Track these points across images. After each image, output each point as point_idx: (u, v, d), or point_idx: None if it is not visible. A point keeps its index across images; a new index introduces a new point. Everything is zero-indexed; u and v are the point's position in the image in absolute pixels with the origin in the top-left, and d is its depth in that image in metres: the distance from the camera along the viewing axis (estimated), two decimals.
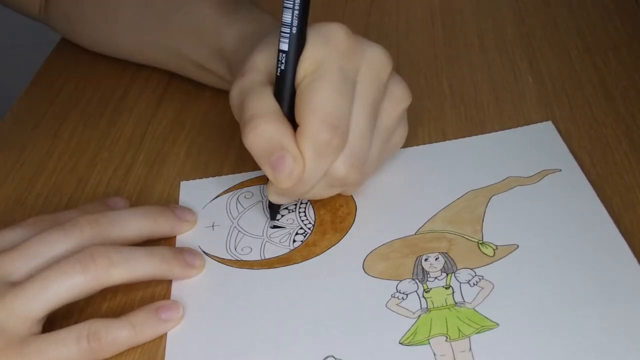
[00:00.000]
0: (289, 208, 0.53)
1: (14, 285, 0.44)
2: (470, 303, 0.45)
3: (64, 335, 0.43)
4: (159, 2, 0.64)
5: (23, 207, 0.55)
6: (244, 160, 0.58)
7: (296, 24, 0.47)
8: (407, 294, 0.46)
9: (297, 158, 0.46)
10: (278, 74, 0.48)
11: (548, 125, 0.57)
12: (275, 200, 0.50)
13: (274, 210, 0.52)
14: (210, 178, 0.56)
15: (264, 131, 0.46)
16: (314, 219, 0.52)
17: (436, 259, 0.48)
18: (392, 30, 0.72)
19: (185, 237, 0.52)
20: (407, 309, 0.45)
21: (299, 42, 0.47)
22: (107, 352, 0.44)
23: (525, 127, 0.58)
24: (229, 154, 0.59)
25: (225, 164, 0.58)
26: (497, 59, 0.66)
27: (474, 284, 0.46)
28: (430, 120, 0.60)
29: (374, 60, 0.48)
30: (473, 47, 0.68)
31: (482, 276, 0.46)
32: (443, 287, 0.46)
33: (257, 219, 0.53)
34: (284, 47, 0.47)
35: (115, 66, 0.70)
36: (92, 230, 0.46)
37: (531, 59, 0.66)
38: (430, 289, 0.46)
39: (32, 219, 0.49)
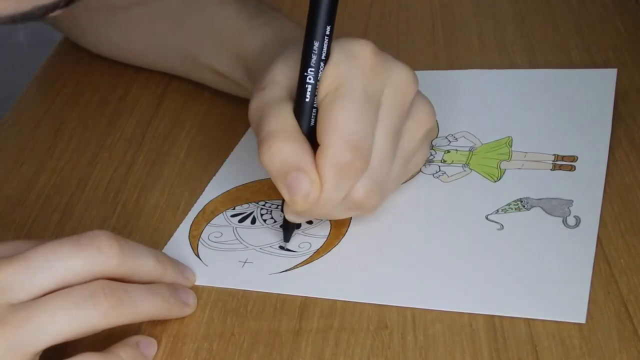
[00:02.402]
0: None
1: (17, 309, 0.39)
2: (475, 144, 0.55)
3: None
4: (174, 3, 0.61)
5: (23, 207, 0.55)
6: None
7: (323, 40, 0.45)
8: (439, 169, 0.53)
9: (315, 180, 0.44)
10: (298, 91, 0.46)
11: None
12: (292, 219, 0.48)
13: (288, 231, 0.50)
14: (170, 241, 0.52)
15: (280, 150, 0.44)
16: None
17: None
18: (392, 30, 0.72)
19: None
20: (455, 173, 0.53)
21: (323, 59, 0.45)
22: None
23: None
24: (229, 155, 0.59)
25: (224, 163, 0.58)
26: (497, 59, 0.66)
27: (456, 138, 0.55)
28: None
29: (400, 81, 0.46)
30: (473, 47, 0.68)
31: (451, 133, 0.56)
32: (445, 152, 0.54)
33: (258, 233, 0.52)
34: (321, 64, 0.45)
35: (115, 66, 0.70)
36: (111, 251, 0.42)
37: (531, 59, 0.66)
38: (443, 159, 0.54)
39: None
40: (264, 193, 0.54)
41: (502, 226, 0.49)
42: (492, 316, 0.44)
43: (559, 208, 0.49)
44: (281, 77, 0.47)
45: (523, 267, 0.46)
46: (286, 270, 0.48)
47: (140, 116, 0.64)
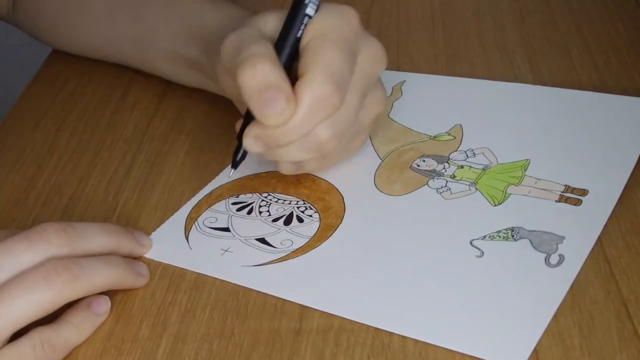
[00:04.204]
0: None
1: None
2: (492, 162, 0.53)
3: (22, 348, 0.42)
4: None
5: (23, 207, 0.55)
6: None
7: None
8: (446, 184, 0.52)
9: (291, 100, 0.46)
10: (283, 30, 0.48)
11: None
12: (249, 143, 0.48)
13: (236, 161, 0.52)
14: (169, 220, 0.53)
15: (262, 69, 0.45)
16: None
17: (423, 161, 0.54)
18: (392, 30, 0.72)
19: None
20: (459, 191, 0.51)
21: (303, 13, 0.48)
22: (60, 356, 0.44)
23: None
24: (229, 154, 0.59)
25: (225, 163, 0.58)
26: (497, 59, 0.66)
27: (475, 154, 0.54)
28: None
29: (374, 52, 0.49)
30: (473, 47, 0.68)
31: (471, 148, 0.55)
32: (458, 167, 0.53)
33: (249, 223, 0.52)
34: (311, 12, 0.48)
35: (115, 66, 0.70)
36: (60, 241, 0.45)
37: (531, 59, 0.66)
38: (454, 174, 0.53)
39: None
40: (270, 185, 0.55)
41: (482, 253, 0.47)
42: None
43: (546, 243, 0.47)
44: (260, 22, 0.50)
45: (482, 301, 0.44)
46: (258, 265, 0.49)
47: (140, 116, 0.64)
